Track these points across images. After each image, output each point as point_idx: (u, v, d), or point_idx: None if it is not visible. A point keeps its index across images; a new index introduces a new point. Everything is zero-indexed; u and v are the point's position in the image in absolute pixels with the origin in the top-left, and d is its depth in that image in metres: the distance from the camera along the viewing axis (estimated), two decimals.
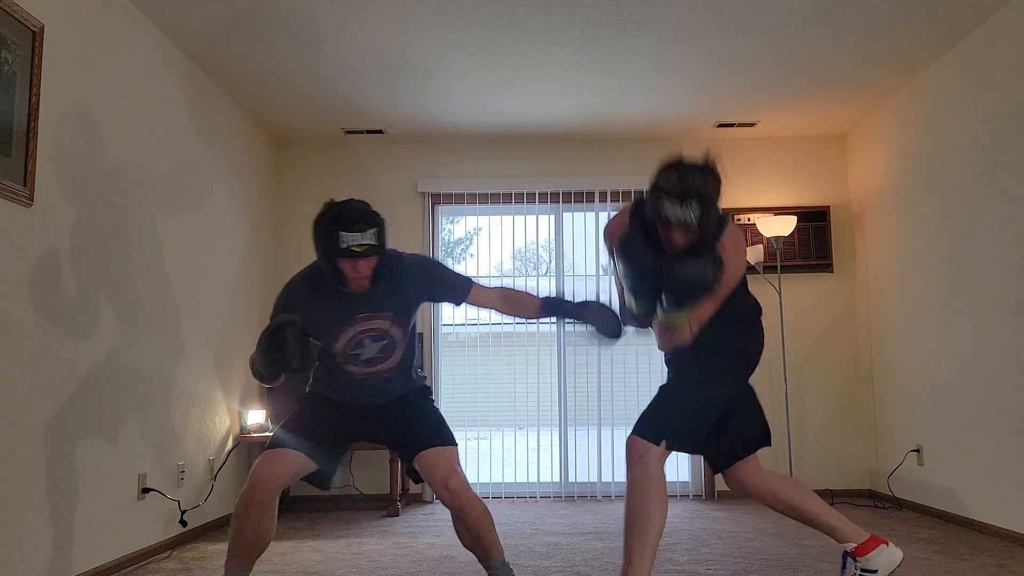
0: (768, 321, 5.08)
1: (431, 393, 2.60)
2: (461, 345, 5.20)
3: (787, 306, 5.08)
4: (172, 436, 3.61)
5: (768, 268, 5.05)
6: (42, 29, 2.64)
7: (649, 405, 2.30)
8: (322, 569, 3.13)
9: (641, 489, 2.16)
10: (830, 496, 4.85)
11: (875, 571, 2.28)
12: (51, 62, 2.73)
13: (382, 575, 3.03)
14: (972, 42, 3.76)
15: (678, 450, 2.31)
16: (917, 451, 4.32)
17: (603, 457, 5.00)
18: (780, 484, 2.36)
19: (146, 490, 3.34)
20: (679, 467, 5.09)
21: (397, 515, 4.41)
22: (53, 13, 2.75)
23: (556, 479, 5.04)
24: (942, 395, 4.06)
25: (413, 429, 2.43)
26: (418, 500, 4.95)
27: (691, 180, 2.06)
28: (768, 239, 5.04)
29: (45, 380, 2.66)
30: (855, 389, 5.04)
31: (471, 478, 5.07)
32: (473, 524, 2.38)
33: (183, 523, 3.63)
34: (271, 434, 2.39)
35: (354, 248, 2.24)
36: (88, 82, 2.98)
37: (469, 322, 5.23)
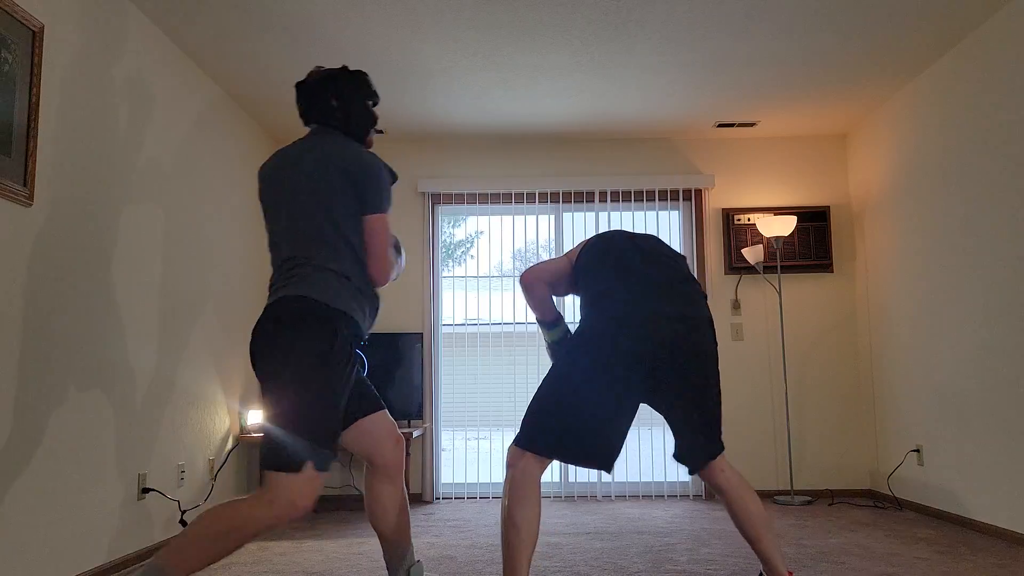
0: (768, 321, 5.08)
1: None
2: (461, 345, 5.20)
3: (787, 306, 5.08)
4: (172, 436, 3.61)
5: (768, 268, 5.05)
6: (42, 29, 2.64)
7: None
8: (322, 569, 3.13)
9: (504, 492, 2.18)
10: (830, 496, 4.85)
11: None
12: (51, 62, 2.73)
13: (382, 575, 3.03)
14: (972, 42, 3.76)
15: (547, 456, 2.17)
16: (917, 451, 4.32)
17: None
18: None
19: (146, 490, 3.34)
20: (679, 467, 5.10)
21: None
22: (53, 13, 2.75)
23: (556, 479, 5.04)
24: (942, 395, 4.06)
25: (366, 384, 2.32)
26: (418, 500, 4.95)
27: None
28: (768, 239, 5.04)
29: (45, 380, 2.66)
30: (855, 389, 5.04)
31: (471, 478, 5.07)
32: (403, 495, 2.30)
33: (183, 523, 3.62)
34: (295, 435, 1.92)
35: (377, 94, 2.34)
36: (88, 82, 2.98)
37: (469, 322, 5.23)
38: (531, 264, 2.57)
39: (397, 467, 2.29)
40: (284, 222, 2.12)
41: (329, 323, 1.99)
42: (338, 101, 2.22)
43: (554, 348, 2.50)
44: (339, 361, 1.99)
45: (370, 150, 2.27)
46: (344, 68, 2.27)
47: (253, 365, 2.03)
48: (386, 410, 2.33)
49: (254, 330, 2.04)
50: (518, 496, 2.13)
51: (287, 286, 2.03)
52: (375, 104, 2.32)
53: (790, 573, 2.34)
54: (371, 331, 4.99)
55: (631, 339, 2.19)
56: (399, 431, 2.32)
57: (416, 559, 2.34)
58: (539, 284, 2.41)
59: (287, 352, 1.95)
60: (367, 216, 2.11)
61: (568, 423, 2.16)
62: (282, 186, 2.14)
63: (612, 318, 2.24)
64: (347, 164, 2.11)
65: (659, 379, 2.22)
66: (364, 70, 2.30)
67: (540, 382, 2.44)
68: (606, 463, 2.17)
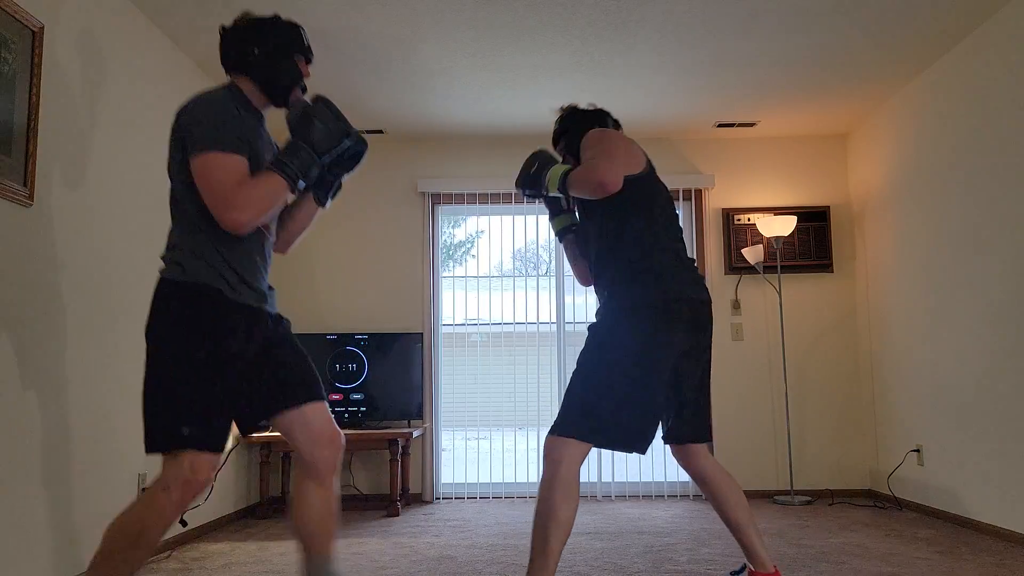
0: (768, 321, 5.08)
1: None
2: (461, 345, 5.20)
3: (787, 306, 5.08)
4: None
5: (768, 268, 5.05)
6: (42, 29, 2.64)
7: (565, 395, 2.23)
8: None
9: (548, 487, 2.11)
10: (830, 496, 4.85)
11: None
12: (51, 62, 2.73)
13: (382, 575, 3.03)
14: (972, 42, 3.76)
15: (595, 444, 2.14)
16: (917, 451, 4.32)
17: (603, 457, 5.01)
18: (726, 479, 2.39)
19: (146, 490, 3.34)
20: (679, 467, 5.09)
21: (397, 515, 4.41)
22: (53, 13, 2.75)
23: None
24: (942, 395, 4.06)
25: (301, 372, 2.04)
26: (418, 500, 4.95)
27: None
28: (768, 239, 5.04)
29: (45, 379, 2.66)
30: (855, 389, 5.04)
31: (471, 478, 5.07)
32: (334, 494, 2.05)
33: (183, 523, 3.62)
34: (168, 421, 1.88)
35: (310, 50, 2.09)
36: (88, 82, 2.98)
37: (469, 322, 5.23)
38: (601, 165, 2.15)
39: (327, 469, 2.03)
40: None
41: (174, 300, 1.88)
42: (260, 50, 1.99)
43: (560, 235, 2.48)
44: (197, 339, 1.87)
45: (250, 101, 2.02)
46: (276, 16, 2.06)
47: None
48: (323, 402, 2.05)
49: None
50: (569, 493, 2.09)
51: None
52: (308, 61, 2.09)
53: (775, 568, 2.35)
54: (371, 331, 4.99)
55: (700, 326, 2.23)
56: (337, 429, 2.05)
57: (336, 569, 2.05)
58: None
59: (152, 336, 1.90)
60: (190, 160, 1.87)
61: (631, 415, 2.12)
62: None
63: (688, 296, 2.21)
64: (179, 108, 1.92)
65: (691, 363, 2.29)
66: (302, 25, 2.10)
67: (592, 358, 2.19)
68: (647, 446, 2.18)
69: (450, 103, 4.57)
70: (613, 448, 2.14)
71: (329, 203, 2.17)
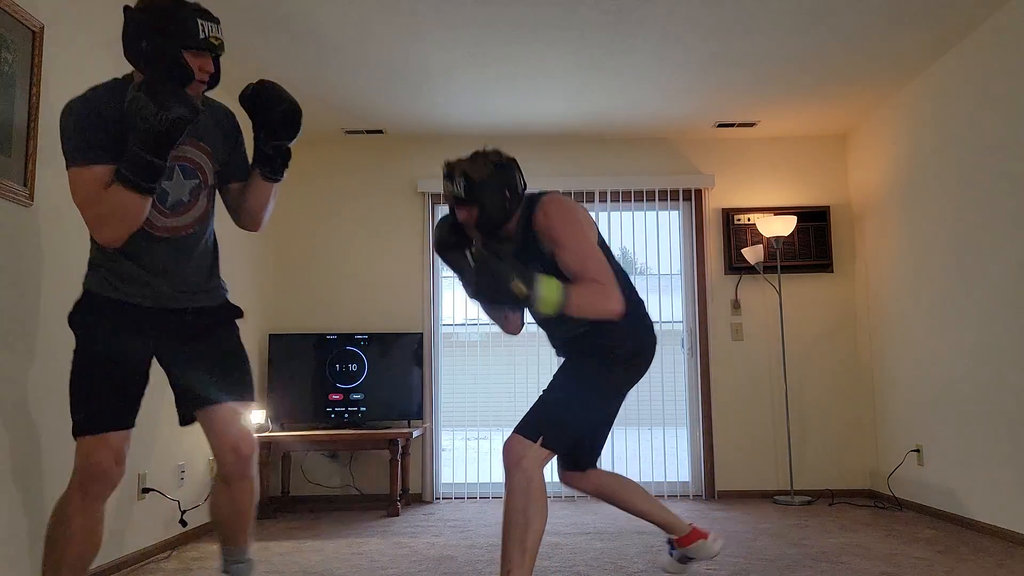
0: (768, 321, 5.08)
1: (239, 316, 2.19)
2: (461, 345, 5.20)
3: (787, 306, 5.08)
4: (172, 436, 3.61)
5: (768, 268, 5.05)
6: (42, 29, 2.64)
7: (532, 405, 2.28)
8: (322, 569, 3.13)
9: (521, 494, 2.11)
10: (830, 496, 4.85)
11: (692, 558, 2.62)
12: (51, 62, 2.73)
13: (382, 575, 3.03)
14: (972, 42, 3.76)
15: (556, 452, 2.22)
16: (917, 451, 4.32)
17: (603, 457, 5.00)
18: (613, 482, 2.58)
19: (146, 490, 3.34)
20: (679, 467, 5.10)
21: (397, 515, 4.41)
22: (53, 13, 2.75)
23: (556, 479, 5.03)
24: (942, 395, 4.06)
25: (217, 371, 2.06)
26: (418, 500, 4.95)
27: (458, 160, 2.23)
28: (768, 239, 5.04)
29: (45, 380, 2.65)
30: (855, 389, 5.04)
31: (471, 478, 5.07)
32: (245, 496, 2.10)
33: (183, 523, 3.63)
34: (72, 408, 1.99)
35: (212, 40, 1.86)
36: (88, 82, 2.97)
37: (469, 322, 5.23)
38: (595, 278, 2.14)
39: (231, 473, 2.05)
40: None
41: (76, 312, 2.02)
42: (148, 43, 1.83)
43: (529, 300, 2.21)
44: (91, 340, 1.98)
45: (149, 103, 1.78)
46: (170, 2, 1.85)
47: None
48: (231, 406, 2.05)
49: None
50: (542, 503, 2.14)
51: None
52: (213, 53, 1.90)
53: (691, 525, 2.57)
54: (371, 331, 4.99)
55: (646, 365, 2.40)
56: (240, 434, 2.04)
57: (247, 559, 2.15)
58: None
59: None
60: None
61: (599, 435, 2.54)
62: None
63: (651, 342, 2.39)
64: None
65: None
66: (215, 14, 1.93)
67: (573, 380, 2.30)
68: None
69: (450, 103, 4.57)
70: (566, 454, 2.48)
71: (283, 174, 2.13)
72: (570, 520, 4.18)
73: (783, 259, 5.01)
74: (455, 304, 5.26)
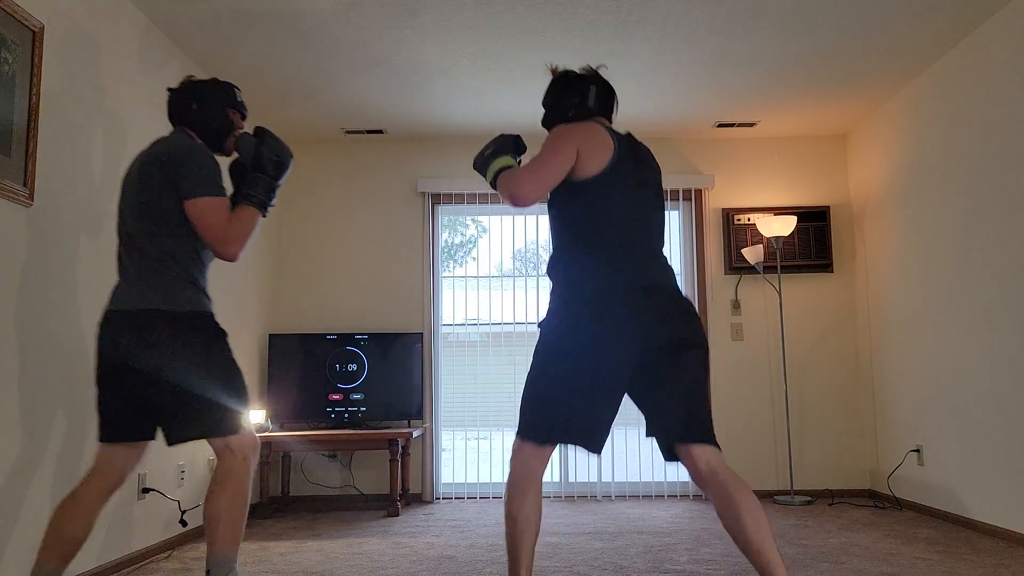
0: (768, 321, 5.08)
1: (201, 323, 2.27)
2: (461, 345, 5.20)
3: (787, 306, 5.08)
4: None
5: (768, 268, 5.05)
6: (42, 29, 2.64)
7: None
8: (322, 569, 3.13)
9: (512, 487, 2.09)
10: (830, 496, 4.85)
11: None
12: (51, 62, 2.73)
13: (382, 575, 3.03)
14: (972, 42, 3.76)
15: (537, 441, 2.05)
16: (917, 451, 4.32)
17: (603, 457, 5.01)
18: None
19: (146, 490, 3.34)
20: (680, 467, 5.09)
21: (397, 515, 4.41)
22: (53, 13, 2.75)
23: (556, 479, 5.04)
24: (942, 395, 4.06)
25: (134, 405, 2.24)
26: (418, 500, 4.95)
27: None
28: (768, 239, 5.04)
29: (45, 380, 2.65)
30: (855, 389, 5.04)
31: (471, 478, 5.07)
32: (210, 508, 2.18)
33: (183, 523, 3.62)
34: (229, 401, 2.19)
35: (243, 105, 2.45)
36: (88, 82, 2.98)
37: (469, 322, 5.23)
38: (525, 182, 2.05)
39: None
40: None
41: (205, 331, 2.27)
42: (198, 105, 2.36)
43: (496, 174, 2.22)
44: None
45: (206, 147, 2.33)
46: (214, 79, 2.42)
47: None
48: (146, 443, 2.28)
49: None
50: (516, 489, 2.07)
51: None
52: (243, 116, 2.45)
53: None
54: (371, 331, 4.99)
55: (657, 322, 2.01)
56: (123, 476, 2.25)
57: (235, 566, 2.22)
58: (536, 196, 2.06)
59: None
60: (185, 202, 2.20)
61: (568, 412, 1.99)
62: (122, 190, 2.31)
63: (643, 288, 2.03)
64: (163, 155, 2.21)
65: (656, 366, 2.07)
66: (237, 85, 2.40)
67: (537, 355, 2.10)
68: (598, 446, 2.02)
69: (450, 103, 4.57)
70: (563, 442, 2.04)
71: (269, 210, 2.42)
72: (570, 520, 4.18)
73: (783, 259, 5.01)
74: (455, 304, 5.26)
